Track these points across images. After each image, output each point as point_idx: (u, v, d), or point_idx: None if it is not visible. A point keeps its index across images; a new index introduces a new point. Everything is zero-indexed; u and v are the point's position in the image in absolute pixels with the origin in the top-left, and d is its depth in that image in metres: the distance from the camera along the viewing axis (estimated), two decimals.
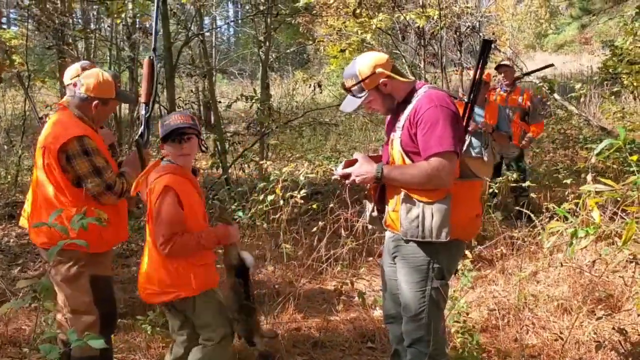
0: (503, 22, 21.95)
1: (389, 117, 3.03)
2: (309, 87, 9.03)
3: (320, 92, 9.80)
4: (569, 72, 18.63)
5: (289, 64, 21.64)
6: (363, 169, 2.87)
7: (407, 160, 2.80)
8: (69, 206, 3.12)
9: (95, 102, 3.22)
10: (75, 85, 3.30)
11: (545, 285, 4.84)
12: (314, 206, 5.19)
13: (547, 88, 9.33)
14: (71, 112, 3.22)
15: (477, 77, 3.00)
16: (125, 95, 3.65)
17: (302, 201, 5.38)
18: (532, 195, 5.87)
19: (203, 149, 3.09)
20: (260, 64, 9.53)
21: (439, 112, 2.71)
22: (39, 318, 4.41)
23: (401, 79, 2.88)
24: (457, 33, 10.21)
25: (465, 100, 2.98)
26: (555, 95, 9.74)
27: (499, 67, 6.93)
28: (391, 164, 2.90)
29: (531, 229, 5.40)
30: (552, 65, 8.63)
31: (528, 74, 8.30)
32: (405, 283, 2.91)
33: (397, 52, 10.55)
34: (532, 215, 5.15)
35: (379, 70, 2.83)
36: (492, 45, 3.01)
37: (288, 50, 14.39)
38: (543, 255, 5.30)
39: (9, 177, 8.78)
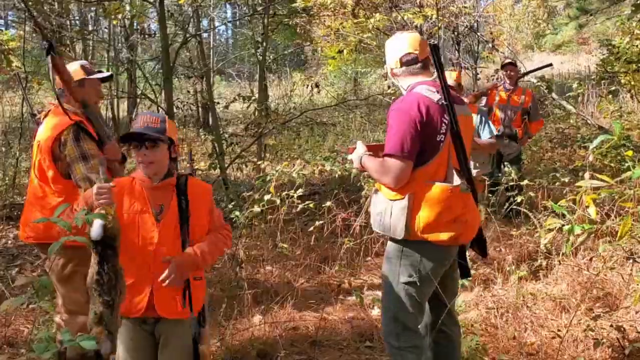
0: (501, 22, 21.95)
1: None
2: (307, 87, 9.03)
3: (318, 93, 9.82)
4: (567, 72, 18.66)
5: (287, 65, 21.65)
6: (355, 155, 3.05)
7: None
8: (53, 196, 3.14)
9: (73, 85, 3.23)
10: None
11: (543, 284, 4.84)
12: (311, 205, 5.18)
13: (545, 87, 9.36)
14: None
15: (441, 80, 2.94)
16: (98, 72, 3.61)
17: (299, 201, 5.38)
18: (531, 194, 5.87)
19: (173, 156, 2.68)
20: (258, 65, 9.54)
21: (395, 115, 2.80)
22: (38, 319, 4.42)
23: (401, 77, 3.00)
24: (455, 33, 10.22)
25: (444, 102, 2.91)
26: (554, 95, 9.75)
27: (504, 66, 6.93)
28: None
29: (529, 227, 5.41)
30: (550, 64, 8.65)
31: (527, 73, 8.30)
32: (383, 274, 3.03)
33: None
34: (529, 213, 5.15)
35: (390, 65, 3.05)
36: (439, 49, 3.02)
37: (286, 52, 14.39)
38: (541, 254, 5.30)
39: (7, 179, 8.77)
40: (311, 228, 5.25)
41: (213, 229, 2.70)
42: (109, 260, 2.22)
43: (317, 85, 8.54)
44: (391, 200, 2.83)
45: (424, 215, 2.76)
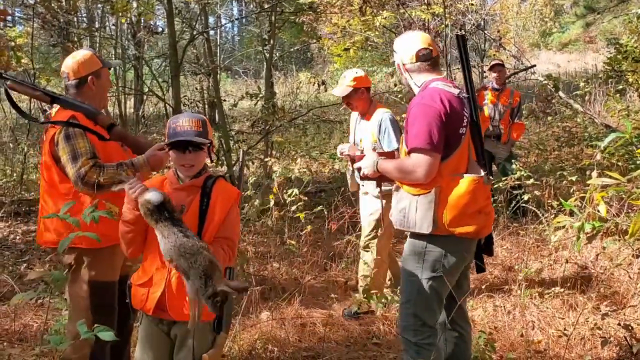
0: (507, 20, 21.90)
1: None
2: (313, 85, 9.03)
3: (325, 91, 9.81)
4: (574, 71, 18.61)
5: (293, 63, 21.67)
6: (367, 162, 3.08)
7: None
8: (61, 199, 3.01)
9: (90, 77, 3.14)
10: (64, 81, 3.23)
11: (550, 282, 4.84)
12: (318, 209, 5.20)
13: (551, 86, 9.34)
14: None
15: (465, 71, 3.01)
16: (109, 62, 3.53)
17: (306, 198, 5.39)
18: (537, 192, 5.87)
19: (213, 158, 2.73)
20: (265, 63, 9.55)
21: (419, 110, 2.80)
22: (48, 314, 4.45)
23: (414, 74, 3.02)
24: (462, 31, 10.19)
25: (466, 95, 2.96)
26: (560, 93, 9.73)
27: (493, 67, 7.00)
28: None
29: (536, 226, 5.41)
30: (534, 66, 8.71)
31: (514, 74, 8.34)
32: (403, 271, 3.02)
33: None
34: (537, 211, 5.15)
35: (401, 60, 3.05)
36: (466, 40, 3.06)
37: (292, 49, 14.38)
38: (548, 252, 5.30)
39: (14, 175, 8.81)
40: (307, 229, 5.25)
41: (218, 237, 2.56)
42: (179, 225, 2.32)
43: (323, 83, 8.53)
44: (415, 195, 2.83)
45: (452, 208, 2.77)
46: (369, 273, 4.56)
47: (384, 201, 4.38)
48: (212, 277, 2.22)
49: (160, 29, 8.90)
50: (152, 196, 2.32)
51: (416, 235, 2.90)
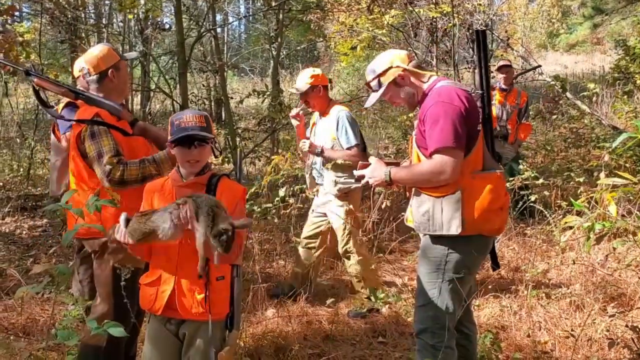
0: (515, 20, 21.84)
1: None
2: None
3: (331, 89, 9.80)
4: (581, 72, 18.55)
5: (299, 61, 21.64)
6: (374, 173, 2.99)
7: (422, 157, 2.86)
8: (87, 193, 3.04)
9: (110, 70, 3.17)
10: (83, 77, 3.23)
11: (556, 283, 4.82)
12: None
13: (559, 87, 9.31)
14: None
15: (481, 68, 3.03)
16: (125, 54, 3.56)
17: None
18: (545, 192, 5.85)
19: (216, 154, 2.73)
20: (271, 61, 9.57)
21: (440, 108, 2.76)
22: (54, 308, 4.46)
23: (419, 71, 2.93)
24: (470, 30, 10.17)
25: (480, 92, 2.99)
26: (568, 94, 9.70)
27: (501, 68, 6.99)
28: (410, 162, 2.98)
29: (544, 227, 5.39)
30: (539, 66, 8.69)
31: (520, 74, 8.33)
32: (420, 274, 2.96)
33: (410, 49, 10.52)
34: (545, 211, 5.13)
35: (396, 63, 2.92)
36: (486, 35, 3.04)
37: (299, 48, 14.37)
38: (555, 253, 5.29)
39: (21, 170, 8.85)
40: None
41: None
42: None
43: (330, 82, 8.50)
44: (439, 197, 2.77)
45: (479, 207, 2.75)
46: (360, 275, 4.57)
47: (345, 202, 4.43)
48: (218, 215, 2.31)
49: (167, 26, 8.93)
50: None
51: (438, 237, 2.84)
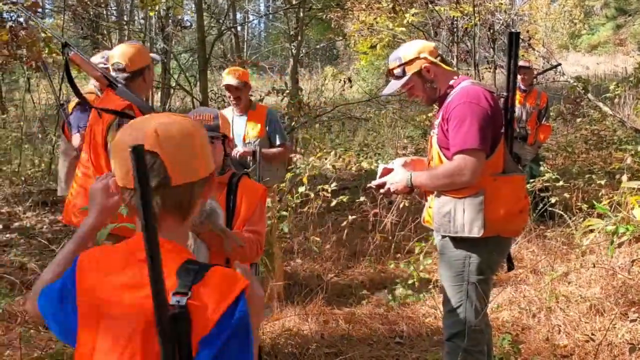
0: (536, 21, 21.66)
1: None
2: (340, 82, 9.02)
3: (350, 87, 9.80)
4: (603, 73, 18.33)
5: (318, 60, 21.64)
6: (396, 178, 2.91)
7: (443, 158, 2.81)
8: None
9: (145, 70, 3.22)
10: (114, 70, 3.23)
11: (576, 286, 4.77)
12: (344, 199, 5.17)
13: (581, 88, 9.20)
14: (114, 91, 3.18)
15: (511, 70, 2.99)
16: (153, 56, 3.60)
17: (329, 195, 5.38)
18: (566, 194, 5.80)
19: (228, 152, 2.64)
20: (291, 59, 9.57)
21: (466, 109, 2.71)
22: None
23: (445, 67, 2.90)
24: (491, 30, 10.10)
25: (505, 94, 2.96)
26: (590, 96, 9.58)
27: (519, 69, 6.93)
28: (429, 163, 2.94)
29: (564, 229, 5.34)
30: (559, 64, 8.59)
31: (539, 74, 8.24)
32: (444, 278, 2.93)
33: None
34: (564, 214, 5.08)
35: (423, 55, 2.87)
36: (520, 38, 2.98)
37: (318, 46, 14.37)
38: (575, 256, 5.23)
39: (42, 165, 8.95)
40: (343, 223, 5.22)
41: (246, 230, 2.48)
42: None
43: (349, 80, 8.51)
44: (460, 198, 2.73)
45: (501, 208, 2.73)
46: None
47: None
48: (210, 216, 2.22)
49: (188, 24, 8.97)
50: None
51: (457, 240, 2.81)
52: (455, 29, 9.28)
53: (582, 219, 5.22)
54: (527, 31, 11.67)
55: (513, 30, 2.87)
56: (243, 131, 4.64)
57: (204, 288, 1.25)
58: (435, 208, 2.84)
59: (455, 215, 2.75)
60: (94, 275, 1.36)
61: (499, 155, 2.80)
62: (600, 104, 9.66)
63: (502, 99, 2.93)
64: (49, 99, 12.94)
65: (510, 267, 3.12)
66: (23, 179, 8.51)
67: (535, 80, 7.05)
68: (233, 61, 8.23)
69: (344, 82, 8.69)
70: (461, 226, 2.74)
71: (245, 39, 13.05)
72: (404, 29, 9.21)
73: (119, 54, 3.21)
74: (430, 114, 9.52)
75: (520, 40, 8.65)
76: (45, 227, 6.91)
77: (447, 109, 2.79)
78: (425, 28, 10.52)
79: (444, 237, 2.87)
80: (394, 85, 2.99)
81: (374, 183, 3.02)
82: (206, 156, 1.41)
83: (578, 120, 10.29)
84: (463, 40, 9.91)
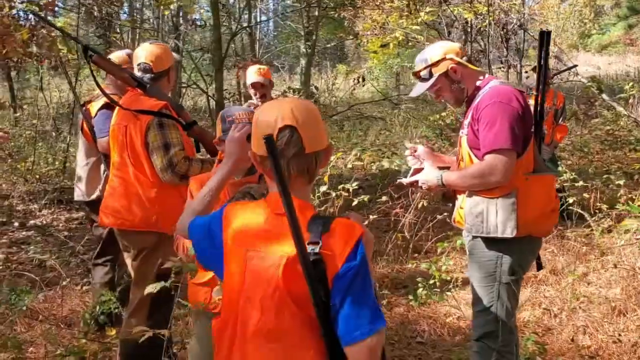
0: (547, 20, 21.56)
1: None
2: (353, 81, 9.01)
3: (363, 86, 9.80)
4: (614, 73, 18.25)
5: (327, 59, 21.64)
6: (428, 177, 2.92)
7: (474, 158, 2.80)
8: (149, 187, 3.11)
9: (170, 70, 3.24)
10: (139, 70, 3.23)
11: (597, 287, 4.75)
12: (365, 199, 5.16)
13: (595, 88, 9.17)
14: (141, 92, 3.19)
15: (540, 69, 2.99)
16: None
17: (347, 194, 5.38)
18: (585, 195, 5.77)
19: None
20: (304, 57, 9.58)
21: (497, 109, 2.69)
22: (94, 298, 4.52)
23: (472, 67, 2.88)
24: (504, 30, 10.07)
25: (535, 93, 2.95)
26: (604, 96, 9.55)
27: (535, 69, 6.92)
28: (461, 163, 2.92)
29: (583, 229, 5.32)
30: (575, 66, 8.56)
31: (556, 74, 8.20)
32: (474, 278, 2.91)
33: None
34: (585, 214, 5.05)
35: (450, 55, 2.87)
36: (550, 37, 2.97)
37: (328, 45, 14.35)
38: (594, 256, 5.21)
39: (57, 163, 8.97)
40: (365, 222, 5.21)
41: None
42: None
43: (363, 79, 8.50)
44: (493, 198, 2.71)
45: (534, 209, 2.71)
46: None
47: None
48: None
49: (203, 22, 8.98)
50: None
51: (489, 240, 2.79)
52: (470, 28, 9.25)
53: (601, 219, 5.21)
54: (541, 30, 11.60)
55: (544, 29, 2.85)
56: None
57: (331, 237, 1.54)
58: (467, 208, 2.82)
59: (488, 216, 2.73)
60: (240, 224, 1.68)
61: (529, 155, 2.78)
62: (615, 104, 9.63)
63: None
64: (61, 98, 12.98)
65: (540, 267, 3.10)
66: (37, 177, 8.54)
67: (551, 80, 7.00)
68: (246, 60, 8.23)
69: (358, 80, 8.68)
70: (494, 227, 2.72)
71: (258, 38, 13.04)
72: (417, 27, 9.18)
73: (145, 54, 3.22)
74: (444, 114, 9.50)
75: (535, 40, 8.57)
76: (61, 224, 6.94)
77: (477, 109, 2.78)
78: (438, 27, 10.49)
79: (475, 237, 2.85)
80: (421, 87, 2.99)
81: (405, 181, 3.03)
82: (325, 130, 1.72)
83: (595, 120, 10.23)
84: (476, 39, 9.88)
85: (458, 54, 2.89)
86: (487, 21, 9.05)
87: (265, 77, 4.61)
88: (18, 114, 11.45)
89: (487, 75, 3.00)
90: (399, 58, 12.82)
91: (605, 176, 6.32)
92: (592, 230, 5.21)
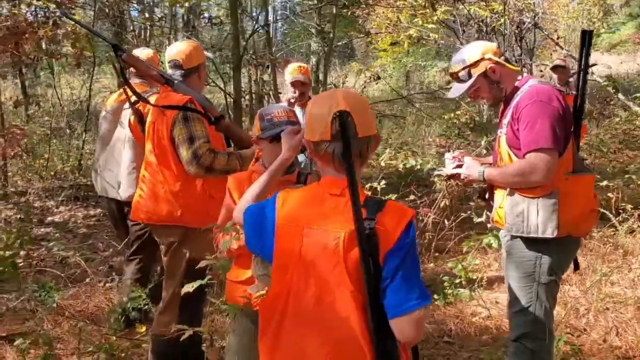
0: (557, 19, 21.48)
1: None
2: (367, 78, 8.99)
3: (376, 84, 9.78)
4: (625, 72, 18.17)
5: (335, 57, 21.57)
6: (470, 170, 2.95)
7: (513, 157, 2.79)
8: (173, 181, 3.13)
9: (200, 67, 3.27)
10: (171, 67, 3.27)
11: (621, 287, 4.73)
12: (392, 197, 5.15)
13: (611, 87, 9.14)
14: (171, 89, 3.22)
15: (581, 69, 2.97)
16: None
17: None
18: (610, 194, 5.74)
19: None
20: (314, 55, 9.56)
21: (538, 108, 2.68)
22: (117, 297, 4.53)
23: (510, 66, 2.88)
24: (519, 28, 10.04)
25: (574, 93, 2.93)
26: (620, 95, 9.51)
27: (555, 68, 6.88)
28: (499, 162, 2.90)
29: (604, 230, 5.30)
30: (595, 64, 8.52)
31: (575, 74, 8.16)
32: (512, 279, 2.89)
33: (460, 46, 10.41)
34: (609, 214, 5.04)
35: (488, 55, 2.86)
36: (592, 36, 2.96)
37: (339, 43, 14.32)
38: (617, 257, 5.18)
39: (71, 160, 8.97)
40: None
41: None
42: None
43: (378, 77, 8.49)
44: (534, 198, 2.70)
45: (575, 209, 2.70)
46: None
47: None
48: None
49: (219, 20, 8.96)
50: None
51: (529, 240, 2.78)
52: (485, 27, 9.22)
53: (625, 219, 5.19)
54: (556, 30, 11.60)
55: (586, 28, 2.84)
56: None
57: (385, 216, 1.66)
58: (507, 208, 2.80)
59: (529, 216, 2.72)
60: (294, 205, 1.79)
61: (569, 154, 2.77)
62: (630, 104, 9.59)
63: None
64: (72, 95, 12.97)
65: (577, 267, 3.08)
66: (52, 173, 8.55)
67: (570, 79, 6.97)
68: (264, 58, 8.22)
69: (372, 78, 8.66)
70: (535, 227, 2.71)
71: (272, 36, 13.04)
72: (433, 25, 9.15)
73: (175, 51, 3.27)
74: (458, 112, 9.48)
75: (549, 38, 8.53)
76: (79, 221, 6.94)
77: (516, 108, 2.76)
78: (453, 24, 10.46)
79: (513, 237, 2.84)
80: (460, 88, 2.98)
81: (446, 172, 3.05)
82: (373, 117, 1.86)
83: (617, 120, 10.18)
84: (490, 38, 9.84)
85: (496, 53, 2.89)
86: (502, 20, 9.02)
87: (305, 75, 4.64)
88: (31, 111, 11.45)
89: (525, 75, 2.99)
90: (413, 57, 12.79)
91: (627, 176, 6.29)
92: (615, 230, 5.19)
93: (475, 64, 2.87)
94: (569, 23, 23.77)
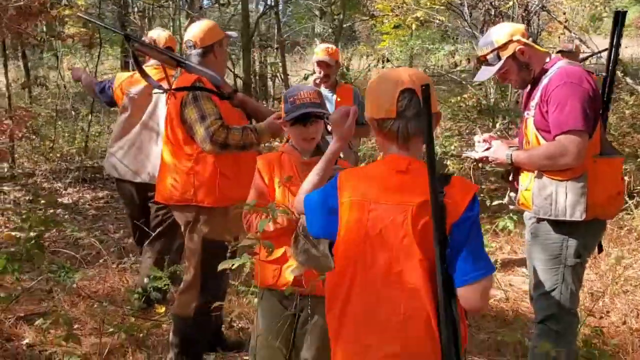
0: (562, 3, 21.34)
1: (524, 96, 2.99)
2: (376, 61, 8.93)
3: (383, 67, 9.72)
4: (629, 57, 18.09)
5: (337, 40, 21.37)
6: (498, 153, 2.92)
7: (541, 140, 2.76)
8: (186, 161, 3.13)
9: (215, 45, 3.24)
10: (187, 49, 3.26)
11: (636, 271, 4.74)
12: None
13: (620, 71, 9.08)
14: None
15: (612, 51, 2.93)
16: (229, 32, 3.61)
17: None
18: (626, 178, 5.73)
19: (329, 129, 2.60)
20: (317, 38, 9.49)
21: (568, 90, 2.65)
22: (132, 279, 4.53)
23: (538, 47, 2.85)
24: (526, 11, 9.96)
25: (604, 74, 2.90)
26: (628, 79, 9.45)
27: (560, 53, 6.82)
28: (526, 145, 2.88)
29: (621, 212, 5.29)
30: (605, 49, 8.41)
31: (585, 59, 8.11)
32: (538, 261, 2.88)
33: (469, 30, 10.31)
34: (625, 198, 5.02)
35: (516, 37, 2.82)
36: (625, 17, 2.92)
37: (344, 26, 14.21)
38: (632, 240, 5.19)
39: (77, 142, 8.94)
40: None
41: None
42: None
43: (387, 60, 8.44)
44: (562, 181, 2.68)
45: (603, 192, 2.68)
46: None
47: None
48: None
49: (224, 1, 8.89)
50: None
51: (556, 223, 2.76)
52: (494, 9, 9.14)
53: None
54: (564, 13, 11.51)
55: (619, 9, 2.80)
56: (334, 109, 4.63)
57: (452, 189, 1.70)
58: (535, 190, 2.78)
59: (557, 198, 2.70)
60: (358, 183, 1.82)
61: (597, 137, 2.74)
62: (638, 88, 9.54)
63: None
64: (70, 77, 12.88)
65: (601, 249, 3.08)
66: (59, 155, 8.52)
67: (582, 63, 6.93)
68: (276, 40, 8.16)
69: (381, 61, 8.61)
70: (563, 209, 2.69)
71: (279, 18, 12.94)
72: (441, 6, 9.06)
73: (190, 32, 3.27)
74: (465, 95, 9.43)
75: (556, 21, 8.39)
76: (87, 203, 6.94)
77: (546, 90, 2.73)
78: (460, 7, 10.36)
79: (540, 220, 2.83)
80: (489, 71, 2.94)
81: (475, 155, 3.02)
82: (436, 96, 1.84)
83: (614, 104, 10.14)
84: (497, 21, 9.77)
85: (524, 35, 2.85)
86: (510, 2, 8.95)
87: (331, 57, 4.55)
88: (35, 93, 11.38)
89: (553, 56, 2.96)
90: (419, 39, 12.68)
91: (639, 159, 6.28)
92: (629, 213, 5.19)
93: (504, 46, 2.83)
94: (573, 6, 23.67)
